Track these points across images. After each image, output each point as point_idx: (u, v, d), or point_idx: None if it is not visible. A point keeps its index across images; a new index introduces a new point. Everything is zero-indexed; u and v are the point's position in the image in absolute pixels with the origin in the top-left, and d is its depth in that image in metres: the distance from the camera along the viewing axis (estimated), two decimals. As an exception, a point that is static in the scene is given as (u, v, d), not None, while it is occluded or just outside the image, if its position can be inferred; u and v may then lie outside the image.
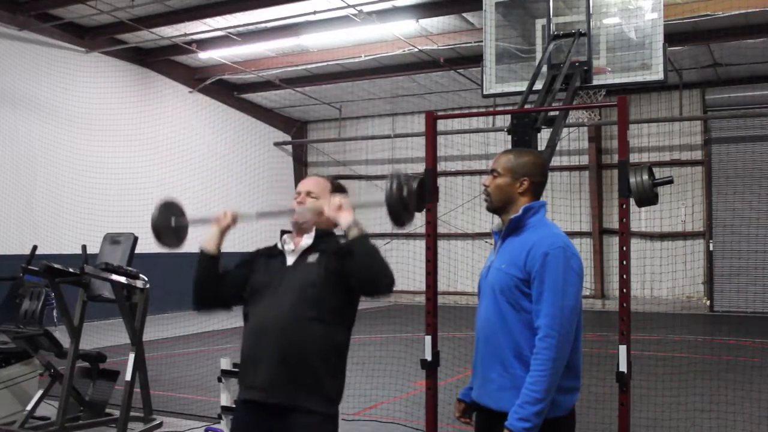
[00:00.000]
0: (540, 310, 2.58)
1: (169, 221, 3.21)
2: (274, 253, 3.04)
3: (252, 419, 2.87)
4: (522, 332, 2.63)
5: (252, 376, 2.86)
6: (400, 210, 2.85)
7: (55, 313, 11.29)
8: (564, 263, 2.61)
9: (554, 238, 2.67)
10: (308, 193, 3.02)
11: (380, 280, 2.77)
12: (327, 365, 2.84)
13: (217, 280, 3.04)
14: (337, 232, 2.98)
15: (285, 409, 2.79)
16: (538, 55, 5.43)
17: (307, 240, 2.97)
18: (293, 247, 2.98)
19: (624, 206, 3.82)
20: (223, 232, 3.04)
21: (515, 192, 2.79)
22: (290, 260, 2.97)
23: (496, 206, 2.84)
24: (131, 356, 5.37)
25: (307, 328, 2.81)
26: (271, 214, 3.32)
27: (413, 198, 2.87)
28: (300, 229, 3.01)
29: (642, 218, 15.87)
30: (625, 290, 3.68)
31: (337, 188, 3.11)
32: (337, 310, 2.87)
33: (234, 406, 5.16)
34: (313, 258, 2.91)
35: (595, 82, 5.37)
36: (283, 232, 3.08)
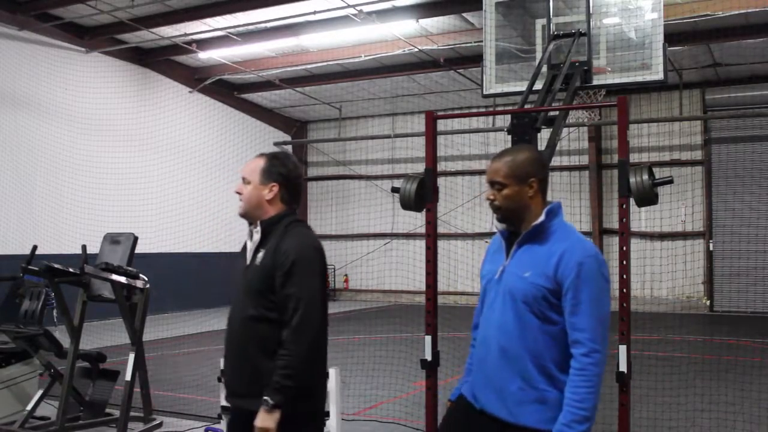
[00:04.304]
0: (577, 323, 2.47)
1: None
2: (244, 250, 2.96)
3: (232, 422, 2.99)
4: (546, 344, 2.52)
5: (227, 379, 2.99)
6: None
7: (55, 313, 11.28)
8: (598, 272, 2.50)
9: (585, 246, 2.55)
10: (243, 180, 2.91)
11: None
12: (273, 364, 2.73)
13: None
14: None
15: (243, 411, 2.83)
16: (538, 55, 5.43)
17: (256, 236, 2.86)
18: (253, 245, 2.88)
19: (624, 206, 3.82)
20: None
21: (526, 197, 2.62)
22: (248, 257, 2.87)
23: (509, 216, 2.66)
24: (131, 356, 5.38)
25: (250, 328, 2.77)
26: None
27: None
28: (251, 222, 2.90)
29: (642, 218, 15.86)
30: (625, 290, 3.69)
31: (272, 161, 2.89)
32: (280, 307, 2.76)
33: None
34: (259, 256, 2.80)
35: (595, 82, 5.37)
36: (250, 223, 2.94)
